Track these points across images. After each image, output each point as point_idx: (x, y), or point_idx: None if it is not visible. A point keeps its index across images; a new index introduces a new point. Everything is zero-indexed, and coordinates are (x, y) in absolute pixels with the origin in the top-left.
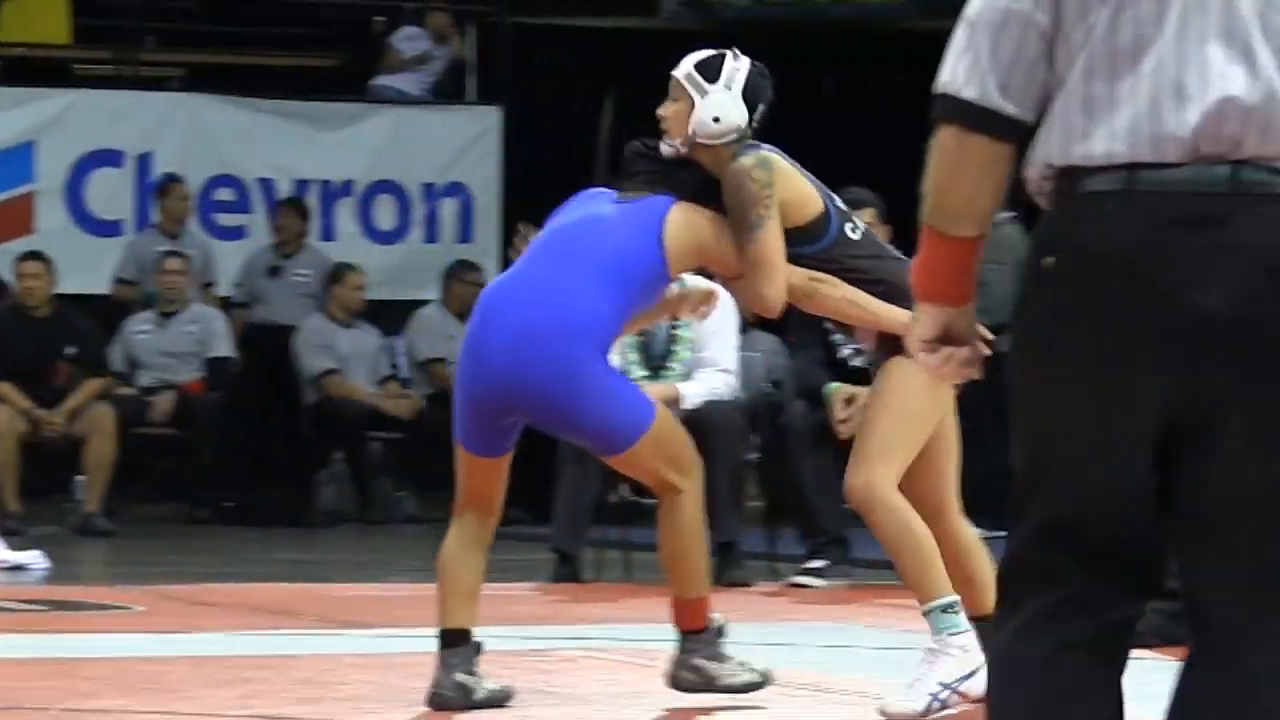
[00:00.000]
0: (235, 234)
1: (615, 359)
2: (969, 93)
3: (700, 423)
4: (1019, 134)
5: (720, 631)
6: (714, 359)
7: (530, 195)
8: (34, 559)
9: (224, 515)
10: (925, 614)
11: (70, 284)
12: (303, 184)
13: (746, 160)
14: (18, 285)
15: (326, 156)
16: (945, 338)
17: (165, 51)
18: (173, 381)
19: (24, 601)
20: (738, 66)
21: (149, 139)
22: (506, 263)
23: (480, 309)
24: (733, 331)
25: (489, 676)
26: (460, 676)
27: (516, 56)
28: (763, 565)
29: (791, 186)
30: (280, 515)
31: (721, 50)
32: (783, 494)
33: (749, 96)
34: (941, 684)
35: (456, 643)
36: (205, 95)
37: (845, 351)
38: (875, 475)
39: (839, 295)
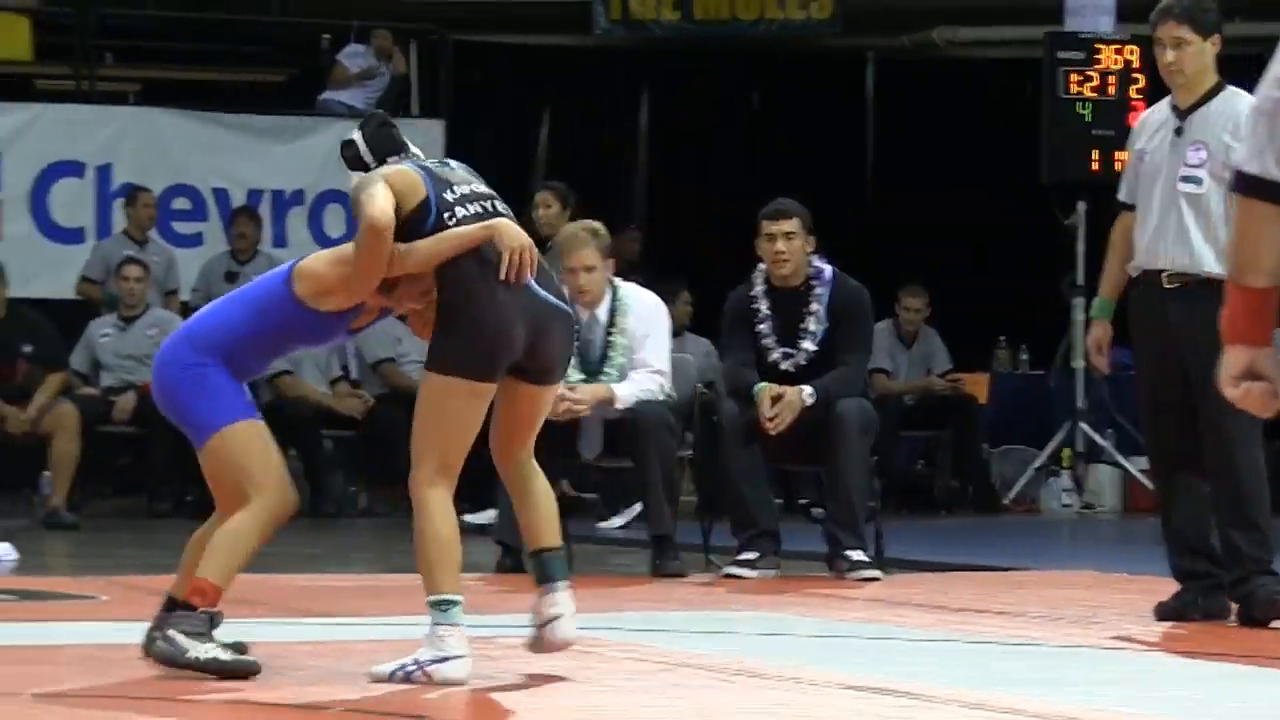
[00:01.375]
0: (193, 241)
1: None
2: (1250, 168)
3: (635, 422)
4: None
5: (212, 621)
6: (647, 361)
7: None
8: (3, 551)
9: (184, 509)
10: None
11: (34, 288)
12: (256, 193)
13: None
14: None
15: (278, 167)
16: (1248, 374)
17: (123, 67)
18: (134, 382)
19: None
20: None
21: (108, 151)
22: None
23: None
24: (666, 335)
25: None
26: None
27: (457, 72)
28: (697, 557)
29: (396, 180)
30: None
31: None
32: (716, 489)
33: (376, 149)
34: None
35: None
36: (161, 109)
37: (774, 355)
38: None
39: (426, 244)
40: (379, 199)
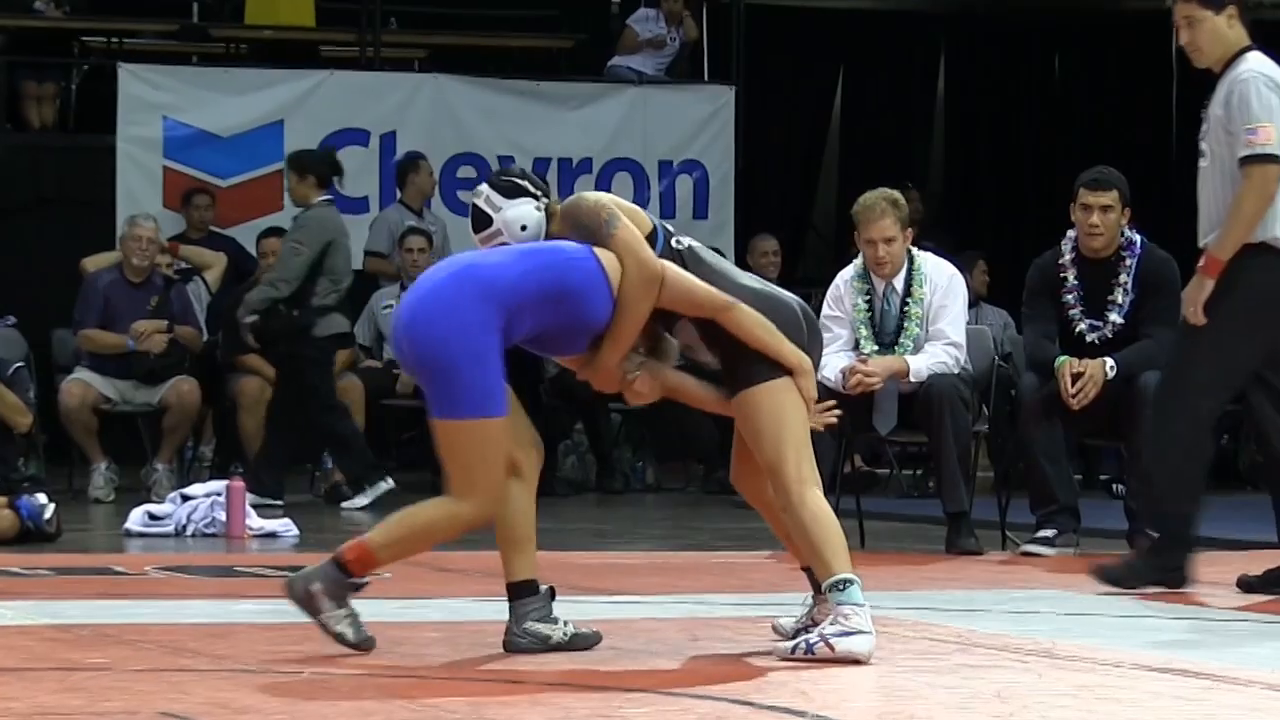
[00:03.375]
0: None
1: (844, 331)
2: None
3: (929, 395)
4: None
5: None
6: (943, 332)
7: (764, 172)
8: (285, 527)
9: None
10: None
11: None
12: (542, 161)
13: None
14: (261, 262)
15: (565, 135)
16: None
17: (408, 33)
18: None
19: (276, 568)
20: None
21: (393, 118)
22: (742, 237)
23: None
24: (962, 306)
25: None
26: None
27: (750, 37)
28: (994, 534)
29: (624, 204)
30: None
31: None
32: (1013, 464)
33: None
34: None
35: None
36: (448, 75)
37: (1080, 327)
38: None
39: (753, 318)
40: (647, 249)
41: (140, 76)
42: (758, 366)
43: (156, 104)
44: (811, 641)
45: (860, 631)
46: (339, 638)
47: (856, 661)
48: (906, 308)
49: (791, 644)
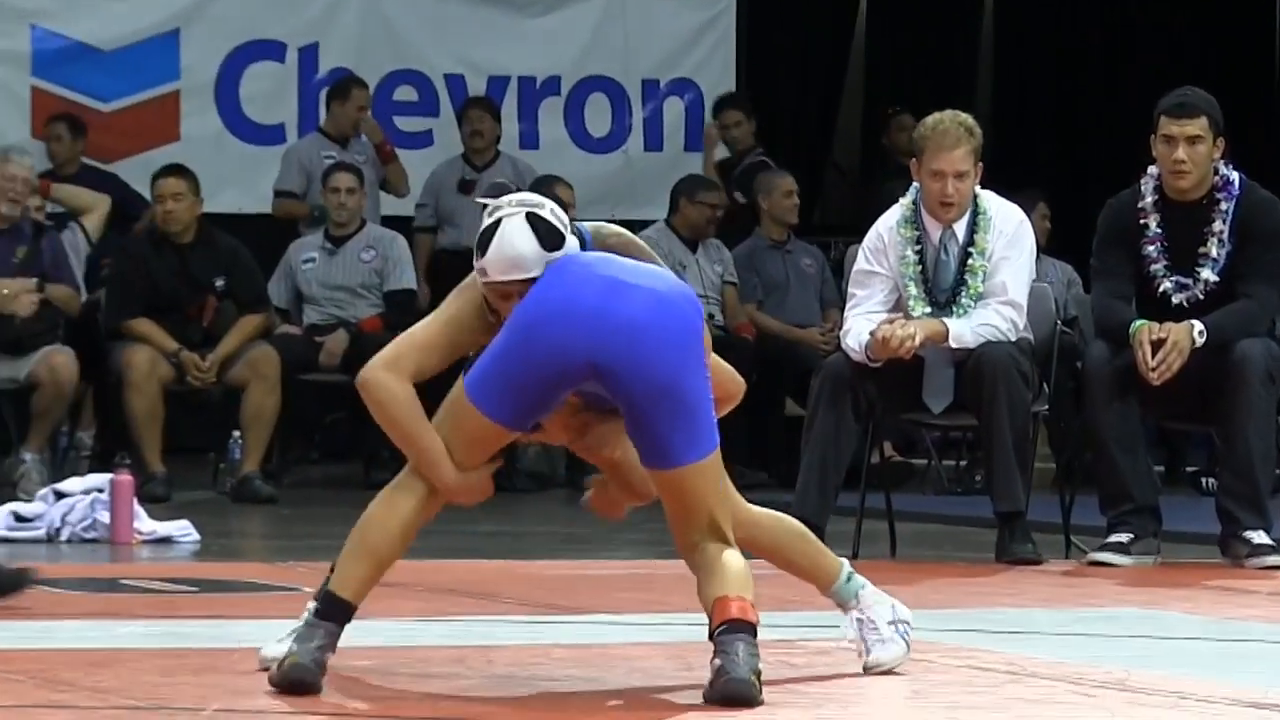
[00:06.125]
0: (420, 141)
1: (881, 290)
2: None
3: (978, 367)
4: None
5: None
6: (1000, 288)
7: (772, 94)
8: (182, 530)
9: None
10: None
11: (220, 201)
12: (499, 81)
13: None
14: (157, 208)
15: (527, 49)
16: None
17: None
18: (345, 318)
19: (170, 581)
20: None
21: (314, 28)
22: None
23: None
24: (1028, 258)
25: None
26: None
27: None
28: (1055, 539)
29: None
30: None
31: None
32: (1079, 453)
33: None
34: None
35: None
36: None
37: (1164, 285)
38: None
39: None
40: None
41: None
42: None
43: (21, 9)
44: (900, 628)
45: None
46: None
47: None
48: (969, 259)
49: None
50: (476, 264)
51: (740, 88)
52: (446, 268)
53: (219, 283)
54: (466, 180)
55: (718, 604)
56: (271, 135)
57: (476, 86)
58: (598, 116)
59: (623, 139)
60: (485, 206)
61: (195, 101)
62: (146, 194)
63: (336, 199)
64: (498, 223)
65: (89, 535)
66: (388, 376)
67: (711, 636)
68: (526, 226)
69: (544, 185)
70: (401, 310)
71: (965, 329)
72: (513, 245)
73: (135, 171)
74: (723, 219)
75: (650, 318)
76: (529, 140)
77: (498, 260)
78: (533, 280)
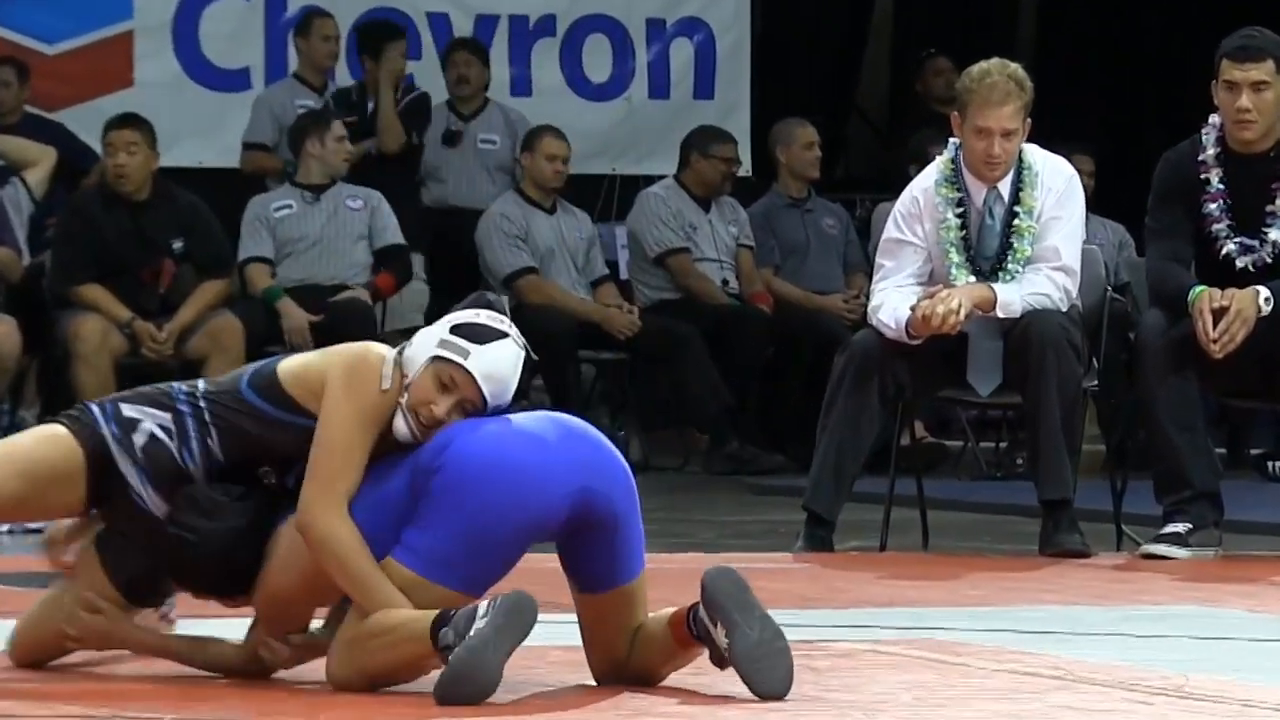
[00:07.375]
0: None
1: (912, 262)
2: None
3: (1025, 338)
4: None
5: None
6: (1051, 253)
7: (791, 37)
8: None
9: None
10: None
11: (178, 154)
12: (487, 20)
13: None
14: (108, 161)
15: None
16: None
17: None
18: (340, 278)
19: None
20: None
21: None
22: (761, 124)
23: None
24: (1080, 218)
25: None
26: None
27: None
28: (1105, 529)
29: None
30: None
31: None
32: (1131, 433)
33: None
34: None
35: None
36: None
37: (1227, 247)
38: None
39: None
40: None
41: None
42: None
43: None
44: None
45: None
46: None
47: None
48: (1015, 220)
49: None
50: (462, 342)
51: (756, 25)
52: (431, 225)
53: (177, 244)
54: (452, 130)
55: (674, 615)
56: (235, 80)
57: (463, 26)
58: (597, 60)
59: (625, 85)
60: (492, 305)
61: (150, 43)
62: (96, 146)
63: (339, 147)
64: (504, 336)
65: (32, 525)
66: (339, 524)
67: (694, 619)
68: (520, 363)
69: (535, 136)
70: (402, 267)
71: (1014, 295)
72: (510, 370)
73: (84, 121)
74: None
75: (598, 439)
76: (521, 86)
77: (490, 370)
78: (463, 401)
